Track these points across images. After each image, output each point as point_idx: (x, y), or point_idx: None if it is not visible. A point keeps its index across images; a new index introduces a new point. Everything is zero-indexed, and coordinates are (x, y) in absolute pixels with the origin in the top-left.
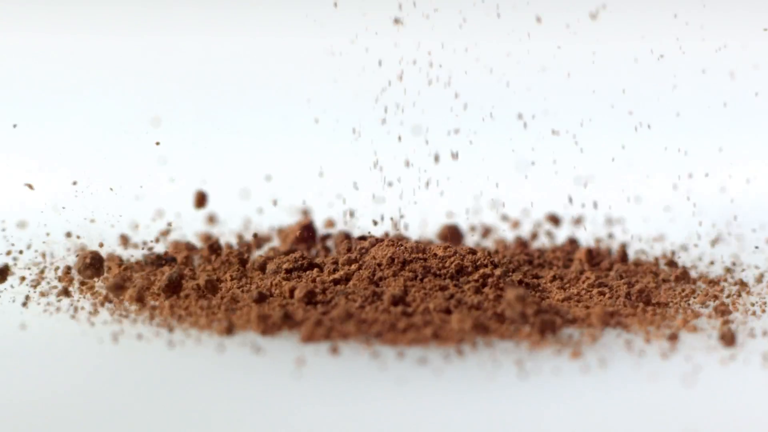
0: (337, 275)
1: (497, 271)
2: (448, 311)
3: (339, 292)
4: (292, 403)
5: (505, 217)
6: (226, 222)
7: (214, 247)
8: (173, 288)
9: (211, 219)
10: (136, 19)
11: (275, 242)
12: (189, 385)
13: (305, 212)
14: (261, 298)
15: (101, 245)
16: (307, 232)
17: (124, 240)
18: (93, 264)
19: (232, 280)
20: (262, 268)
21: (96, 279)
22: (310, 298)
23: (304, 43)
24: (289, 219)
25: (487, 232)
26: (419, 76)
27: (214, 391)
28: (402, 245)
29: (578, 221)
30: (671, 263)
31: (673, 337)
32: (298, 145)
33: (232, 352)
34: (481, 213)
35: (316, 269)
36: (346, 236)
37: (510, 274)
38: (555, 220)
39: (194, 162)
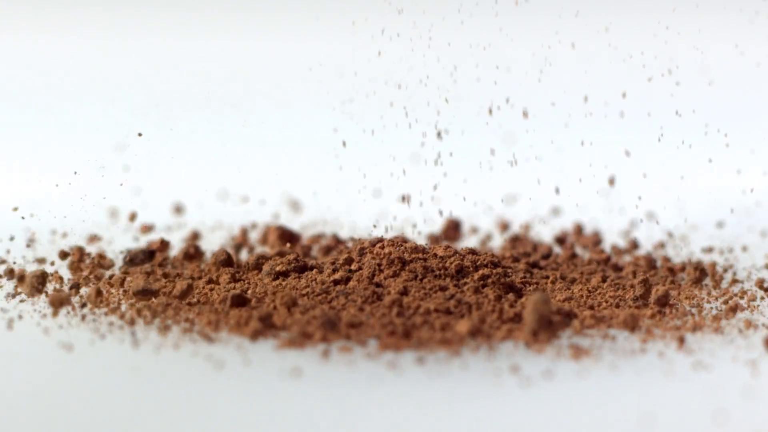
0: (337, 275)
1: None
2: (448, 311)
3: (339, 291)
4: (281, 408)
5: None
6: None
7: (190, 253)
8: (144, 292)
9: (178, 208)
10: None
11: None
12: (175, 390)
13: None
14: (240, 302)
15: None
16: (286, 236)
17: (93, 239)
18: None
19: (212, 284)
20: (258, 267)
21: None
22: (291, 306)
23: (307, 45)
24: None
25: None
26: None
27: (200, 396)
28: (402, 245)
29: (597, 236)
30: (694, 264)
31: (681, 339)
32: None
33: (219, 356)
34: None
35: (315, 270)
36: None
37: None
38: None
39: (190, 162)
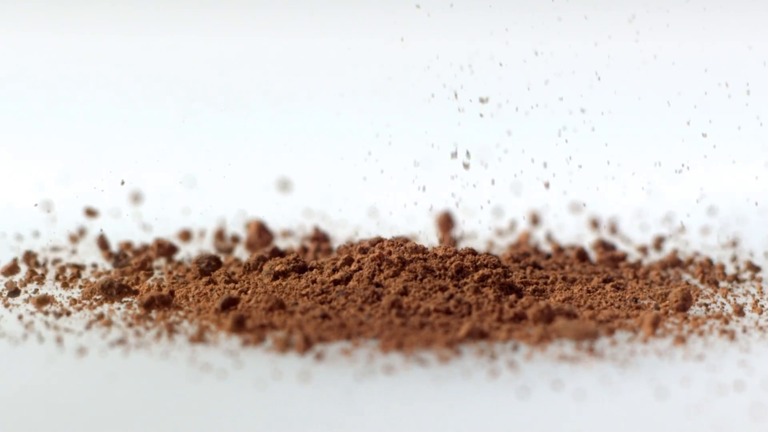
0: (337, 275)
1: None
2: (447, 311)
3: (339, 292)
4: (279, 409)
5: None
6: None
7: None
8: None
9: (136, 197)
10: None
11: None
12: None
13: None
14: (229, 304)
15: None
16: (262, 235)
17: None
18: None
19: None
20: (258, 267)
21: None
22: (276, 309)
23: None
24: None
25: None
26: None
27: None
28: (402, 245)
29: (613, 229)
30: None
31: (680, 340)
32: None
33: (208, 358)
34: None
35: (315, 270)
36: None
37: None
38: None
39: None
